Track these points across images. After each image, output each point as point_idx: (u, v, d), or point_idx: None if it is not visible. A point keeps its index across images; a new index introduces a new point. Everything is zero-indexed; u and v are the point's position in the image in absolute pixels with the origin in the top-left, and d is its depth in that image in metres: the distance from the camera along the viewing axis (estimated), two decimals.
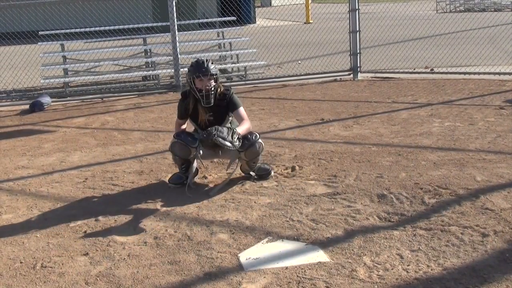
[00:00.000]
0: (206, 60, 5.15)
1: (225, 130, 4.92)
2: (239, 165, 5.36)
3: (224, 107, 5.21)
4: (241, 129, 5.07)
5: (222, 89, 5.24)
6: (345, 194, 4.82)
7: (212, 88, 5.09)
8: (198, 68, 5.07)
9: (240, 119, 5.21)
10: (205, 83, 5.06)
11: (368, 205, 4.58)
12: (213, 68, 5.11)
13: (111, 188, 5.30)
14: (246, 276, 3.56)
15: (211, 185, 5.24)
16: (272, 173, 5.38)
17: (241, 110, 5.24)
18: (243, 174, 5.39)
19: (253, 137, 5.10)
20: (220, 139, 4.83)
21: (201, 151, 5.06)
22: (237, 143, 4.92)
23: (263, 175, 5.32)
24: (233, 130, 4.99)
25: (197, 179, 5.39)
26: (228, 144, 4.85)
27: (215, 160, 5.69)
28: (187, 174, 5.20)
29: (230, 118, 5.27)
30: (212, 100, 5.13)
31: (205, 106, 5.14)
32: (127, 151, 6.58)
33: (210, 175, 5.48)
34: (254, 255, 3.82)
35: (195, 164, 5.17)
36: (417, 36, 14.94)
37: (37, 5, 13.91)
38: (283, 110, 8.33)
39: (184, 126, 5.39)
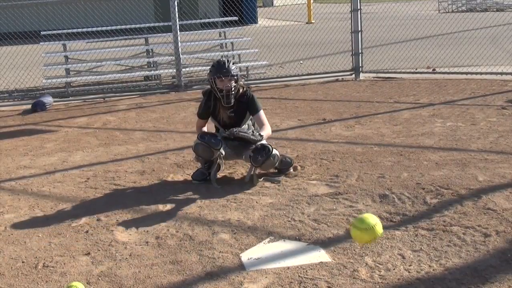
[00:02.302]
0: (228, 61, 5.30)
1: (245, 127, 5.24)
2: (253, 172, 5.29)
3: (244, 107, 5.34)
4: (263, 134, 5.23)
5: (243, 89, 5.36)
6: (347, 194, 4.82)
7: (233, 88, 5.21)
8: (219, 69, 5.20)
9: (260, 124, 5.37)
10: (225, 83, 5.18)
11: (370, 205, 4.57)
12: (234, 68, 5.25)
13: (113, 188, 5.31)
14: (247, 276, 3.56)
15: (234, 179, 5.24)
16: (292, 167, 5.44)
17: (261, 114, 5.38)
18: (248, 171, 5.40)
19: (265, 152, 5.09)
20: (242, 132, 5.08)
21: (223, 152, 5.19)
22: (259, 137, 5.13)
23: (283, 169, 5.39)
24: (253, 128, 5.29)
25: (219, 174, 5.43)
26: (251, 136, 5.09)
27: (238, 161, 5.70)
28: (209, 170, 5.30)
29: (250, 116, 5.40)
30: (232, 100, 5.25)
31: (225, 105, 5.26)
32: (129, 151, 6.59)
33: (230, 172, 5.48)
34: (256, 255, 3.82)
35: (218, 160, 5.27)
36: (419, 36, 14.93)
37: (39, 5, 13.90)
38: (285, 110, 8.33)
39: (205, 128, 5.50)
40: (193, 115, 8.26)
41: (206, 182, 5.30)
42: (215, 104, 5.35)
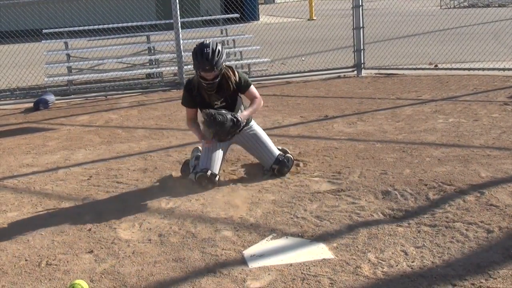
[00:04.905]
0: (212, 51, 4.83)
1: (224, 111, 5.00)
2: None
3: (234, 91, 5.13)
4: (246, 112, 5.17)
5: (235, 77, 5.07)
6: (349, 190, 4.82)
7: (217, 79, 4.94)
8: (202, 63, 4.85)
9: (251, 98, 5.23)
10: (209, 75, 4.91)
11: (373, 201, 4.57)
12: (220, 59, 4.85)
13: (116, 186, 5.31)
14: (250, 273, 3.56)
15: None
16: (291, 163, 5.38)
17: (251, 89, 5.20)
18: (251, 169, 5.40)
19: (289, 164, 5.29)
20: (218, 115, 4.92)
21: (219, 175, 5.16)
22: (235, 121, 4.99)
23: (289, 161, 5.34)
24: (231, 113, 5.04)
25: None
26: (228, 125, 4.95)
27: (240, 158, 5.77)
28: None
29: (242, 104, 5.28)
30: (220, 91, 5.05)
31: (210, 92, 5.03)
32: (131, 148, 6.59)
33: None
34: (259, 252, 3.83)
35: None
36: (421, 32, 14.91)
37: (41, 3, 13.92)
38: (287, 107, 8.33)
39: (195, 120, 5.32)
40: None
41: (210, 177, 5.25)
42: (203, 96, 5.11)
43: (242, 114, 5.13)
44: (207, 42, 4.96)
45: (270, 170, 5.29)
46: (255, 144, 5.35)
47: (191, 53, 5.12)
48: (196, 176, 5.08)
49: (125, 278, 3.59)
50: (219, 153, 5.23)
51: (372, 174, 5.17)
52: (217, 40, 5.16)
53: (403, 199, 4.58)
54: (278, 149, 5.43)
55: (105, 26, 11.29)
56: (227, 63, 5.23)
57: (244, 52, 11.57)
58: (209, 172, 5.07)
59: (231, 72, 5.08)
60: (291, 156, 5.38)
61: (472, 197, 4.49)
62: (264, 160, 5.35)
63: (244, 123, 5.17)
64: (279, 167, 5.25)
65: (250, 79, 5.34)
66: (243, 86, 5.15)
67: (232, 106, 5.17)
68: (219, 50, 4.88)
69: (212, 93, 5.06)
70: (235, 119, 5.00)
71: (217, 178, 5.11)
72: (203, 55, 4.86)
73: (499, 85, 8.89)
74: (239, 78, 5.11)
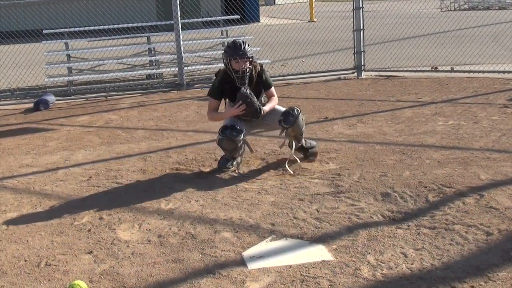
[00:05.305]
0: (243, 42, 5.38)
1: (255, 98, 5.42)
2: (287, 142, 5.62)
3: (259, 85, 5.54)
4: (267, 107, 5.52)
5: (258, 69, 5.52)
6: (349, 192, 4.82)
7: (248, 70, 5.37)
8: (236, 51, 5.34)
9: (270, 95, 5.65)
10: (241, 64, 5.32)
11: (372, 203, 4.57)
12: (249, 50, 5.37)
13: (115, 187, 5.31)
14: (250, 274, 3.56)
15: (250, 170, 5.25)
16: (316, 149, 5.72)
17: (273, 89, 5.66)
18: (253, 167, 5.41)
19: (296, 112, 5.42)
20: (251, 96, 5.35)
21: (245, 143, 5.55)
22: (259, 109, 5.42)
23: (310, 151, 5.67)
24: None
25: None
26: (255, 104, 5.37)
27: (260, 132, 6.14)
28: (233, 155, 5.52)
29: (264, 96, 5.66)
30: (247, 81, 5.42)
31: (240, 86, 5.40)
32: (131, 149, 6.59)
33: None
34: (258, 254, 3.83)
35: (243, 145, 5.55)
36: (421, 34, 14.91)
37: (41, 4, 13.92)
38: None
39: (218, 110, 5.68)
40: (195, 114, 8.28)
41: (210, 177, 5.30)
42: (231, 87, 5.45)
43: (264, 109, 5.50)
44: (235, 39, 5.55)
45: (280, 127, 5.43)
46: (266, 117, 5.56)
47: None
48: (220, 131, 5.39)
49: (124, 279, 3.59)
50: (241, 124, 5.52)
51: (371, 176, 5.17)
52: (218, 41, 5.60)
53: (403, 201, 4.58)
54: None
55: (106, 27, 11.30)
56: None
57: None
58: (230, 124, 5.44)
59: (259, 68, 5.55)
60: (298, 108, 5.52)
61: (471, 200, 4.50)
62: (274, 121, 5.51)
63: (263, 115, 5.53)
64: (284, 117, 5.40)
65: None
66: (268, 84, 5.61)
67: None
68: (248, 44, 5.44)
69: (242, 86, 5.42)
70: (259, 108, 5.43)
71: (239, 128, 5.38)
72: (236, 44, 5.39)
73: (499, 87, 8.90)
74: (263, 72, 5.58)
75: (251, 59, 5.39)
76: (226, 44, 11.73)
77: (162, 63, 11.52)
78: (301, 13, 25.89)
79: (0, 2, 14.54)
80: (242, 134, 5.40)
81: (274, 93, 5.67)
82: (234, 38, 5.52)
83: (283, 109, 5.60)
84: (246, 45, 5.37)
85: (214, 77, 5.67)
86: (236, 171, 5.48)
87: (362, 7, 10.64)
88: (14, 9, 16.01)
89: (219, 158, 5.65)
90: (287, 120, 5.37)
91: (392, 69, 10.82)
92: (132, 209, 4.72)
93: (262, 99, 5.63)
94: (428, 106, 7.86)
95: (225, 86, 5.49)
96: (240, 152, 5.56)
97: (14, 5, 13.33)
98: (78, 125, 8.06)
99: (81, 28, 11.26)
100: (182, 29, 10.36)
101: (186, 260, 3.79)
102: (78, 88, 10.77)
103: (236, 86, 5.41)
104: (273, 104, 5.62)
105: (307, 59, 12.70)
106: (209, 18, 13.06)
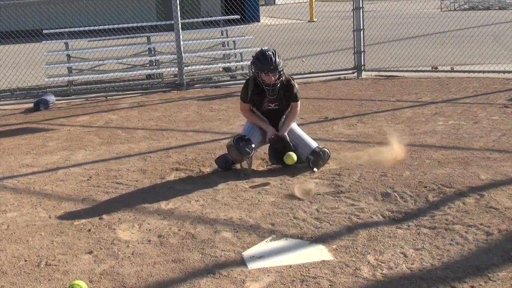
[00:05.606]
0: (273, 54, 5.27)
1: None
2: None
3: (288, 96, 5.50)
4: (285, 127, 5.51)
5: (285, 77, 5.44)
6: (349, 192, 4.82)
7: (278, 83, 5.33)
8: (266, 65, 5.26)
9: (293, 109, 5.60)
10: (271, 78, 5.27)
11: (372, 203, 4.57)
12: (279, 62, 5.28)
13: (115, 187, 5.31)
14: (250, 274, 3.56)
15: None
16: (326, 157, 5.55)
17: (298, 103, 5.63)
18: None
19: (326, 156, 5.43)
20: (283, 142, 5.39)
21: (251, 160, 5.45)
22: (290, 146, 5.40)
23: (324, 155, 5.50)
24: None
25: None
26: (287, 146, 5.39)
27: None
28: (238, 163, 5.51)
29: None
30: (276, 94, 5.39)
31: (271, 96, 5.40)
32: (131, 149, 6.59)
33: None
34: (258, 254, 3.83)
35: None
36: (421, 34, 14.91)
37: (41, 4, 13.92)
38: None
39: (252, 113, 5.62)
40: (195, 114, 8.28)
41: (210, 177, 5.30)
42: (259, 96, 5.43)
43: (282, 131, 5.50)
44: (265, 48, 5.41)
45: (306, 161, 5.41)
46: (291, 137, 5.51)
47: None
48: (235, 139, 5.34)
49: (124, 279, 3.59)
50: (259, 137, 5.50)
51: (371, 176, 5.17)
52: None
53: (403, 201, 4.58)
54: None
55: (106, 26, 11.29)
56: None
57: (245, 54, 11.56)
58: (246, 137, 5.41)
59: (290, 79, 5.49)
60: (328, 151, 5.47)
61: (471, 200, 4.49)
62: (300, 151, 5.47)
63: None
64: (314, 158, 5.38)
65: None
66: (294, 95, 5.52)
67: (283, 110, 5.55)
68: (279, 55, 5.34)
69: (271, 98, 5.41)
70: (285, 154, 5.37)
71: (253, 146, 5.34)
72: (266, 57, 5.29)
73: (499, 87, 8.90)
74: (294, 85, 5.49)
75: (281, 72, 5.31)
76: (226, 44, 11.80)
77: (162, 63, 11.52)
78: (301, 13, 25.88)
79: (0, 2, 14.54)
80: (252, 153, 5.36)
81: (299, 107, 5.65)
82: (262, 48, 5.36)
83: (310, 140, 5.52)
84: (276, 57, 5.27)
85: (245, 83, 5.59)
86: (244, 173, 5.42)
87: (362, 7, 10.64)
88: (14, 9, 16.01)
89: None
90: (317, 163, 5.37)
91: (392, 69, 10.82)
92: (132, 209, 4.72)
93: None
94: (428, 106, 7.86)
95: (254, 98, 5.47)
96: (247, 161, 5.48)
97: (14, 5, 13.33)
98: (78, 125, 8.06)
99: (81, 28, 11.25)
100: (182, 29, 10.36)
101: (186, 260, 3.79)
102: (78, 88, 10.77)
103: (266, 97, 5.40)
104: (292, 118, 5.56)
105: (307, 59, 12.69)
106: (209, 18, 13.07)
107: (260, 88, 5.40)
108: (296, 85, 5.56)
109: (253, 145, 5.37)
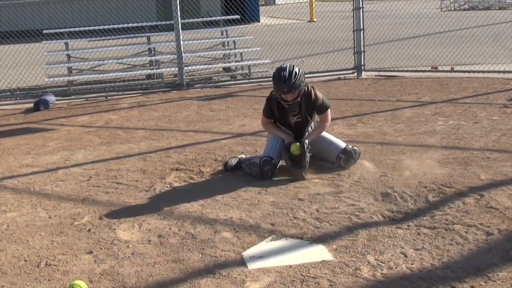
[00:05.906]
0: (290, 73, 5.11)
1: (308, 156, 5.25)
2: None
3: (311, 107, 5.40)
4: (311, 137, 5.39)
5: (306, 90, 5.33)
6: (349, 192, 4.82)
7: (298, 99, 5.25)
8: (281, 87, 5.13)
9: (323, 119, 5.52)
10: (289, 97, 5.20)
11: (372, 203, 4.57)
12: (297, 81, 5.12)
13: (115, 187, 5.31)
14: (250, 274, 3.56)
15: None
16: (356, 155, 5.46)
17: (328, 113, 5.49)
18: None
19: (356, 155, 5.40)
20: (307, 154, 5.23)
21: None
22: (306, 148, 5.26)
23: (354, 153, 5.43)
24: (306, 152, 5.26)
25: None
26: (306, 161, 5.23)
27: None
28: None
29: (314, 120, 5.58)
30: (298, 108, 5.32)
31: (292, 113, 5.35)
32: (131, 149, 6.59)
33: None
34: (258, 254, 3.83)
35: None
36: (421, 34, 14.92)
37: (41, 4, 13.93)
38: None
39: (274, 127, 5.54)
40: (195, 114, 8.28)
41: (210, 177, 5.30)
42: (281, 112, 5.38)
43: (305, 138, 5.39)
44: (284, 65, 5.24)
45: (336, 161, 5.38)
46: (319, 141, 5.48)
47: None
48: (261, 160, 5.24)
49: (124, 279, 3.59)
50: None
51: (371, 176, 5.17)
52: (294, 64, 5.41)
53: (403, 201, 4.58)
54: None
55: (106, 26, 11.29)
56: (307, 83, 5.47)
57: (245, 54, 11.58)
58: (273, 161, 5.27)
59: (311, 92, 5.35)
60: (358, 150, 5.46)
61: (471, 200, 4.49)
62: (330, 153, 5.45)
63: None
64: (345, 157, 5.35)
65: (330, 104, 5.58)
66: (319, 107, 5.42)
67: (306, 122, 5.48)
68: (296, 72, 5.15)
69: (292, 113, 5.37)
70: (306, 149, 5.25)
71: (276, 171, 5.28)
72: (281, 79, 5.14)
73: (499, 87, 8.90)
74: (317, 98, 5.36)
75: (300, 88, 5.19)
76: (226, 44, 11.79)
77: (162, 63, 11.52)
78: (301, 13, 25.90)
79: (0, 2, 14.54)
80: (272, 177, 5.24)
81: (328, 118, 5.51)
82: (282, 66, 5.22)
83: (339, 141, 5.51)
84: (293, 76, 5.10)
85: (267, 98, 5.50)
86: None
87: (362, 7, 10.64)
88: (14, 9, 16.01)
89: (220, 159, 5.65)
90: (349, 162, 5.34)
91: (392, 69, 10.82)
92: (132, 209, 4.72)
93: (313, 124, 5.57)
94: (428, 106, 7.86)
95: (277, 114, 5.43)
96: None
97: (14, 5, 13.33)
98: (78, 125, 8.06)
99: (81, 28, 11.26)
100: (182, 29, 10.36)
101: (186, 260, 3.79)
102: (78, 88, 10.77)
103: (288, 112, 5.36)
104: (319, 131, 5.49)
105: (307, 59, 12.70)
106: (209, 18, 13.07)
107: (281, 104, 5.32)
108: (319, 95, 5.41)
109: (276, 171, 5.29)
